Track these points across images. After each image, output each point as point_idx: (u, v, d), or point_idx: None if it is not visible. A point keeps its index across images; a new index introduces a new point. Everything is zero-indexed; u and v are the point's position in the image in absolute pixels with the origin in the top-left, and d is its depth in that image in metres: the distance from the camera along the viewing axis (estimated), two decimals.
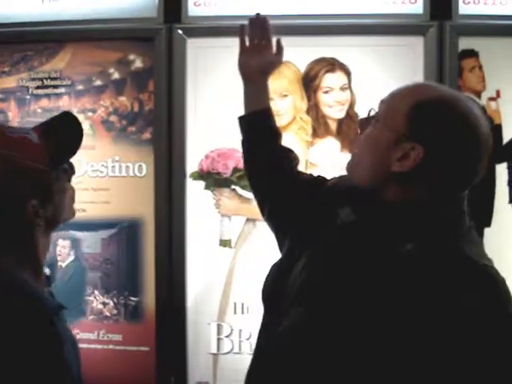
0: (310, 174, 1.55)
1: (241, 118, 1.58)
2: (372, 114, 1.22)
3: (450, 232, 1.15)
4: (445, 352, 1.05)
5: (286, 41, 2.28)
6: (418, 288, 1.09)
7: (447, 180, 1.14)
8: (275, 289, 1.29)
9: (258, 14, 1.59)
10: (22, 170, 1.08)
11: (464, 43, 2.30)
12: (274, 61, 1.62)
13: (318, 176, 1.50)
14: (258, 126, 1.55)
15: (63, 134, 1.18)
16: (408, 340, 1.06)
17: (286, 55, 2.26)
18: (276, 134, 1.56)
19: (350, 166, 1.25)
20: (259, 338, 1.33)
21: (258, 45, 1.58)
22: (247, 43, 1.58)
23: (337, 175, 1.43)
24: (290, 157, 1.56)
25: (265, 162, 1.53)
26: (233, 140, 2.30)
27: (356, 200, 1.23)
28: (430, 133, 1.12)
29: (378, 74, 2.26)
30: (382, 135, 1.17)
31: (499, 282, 1.10)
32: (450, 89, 1.22)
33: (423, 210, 1.15)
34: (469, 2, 2.31)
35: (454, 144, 1.11)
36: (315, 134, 2.36)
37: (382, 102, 1.22)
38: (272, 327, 1.24)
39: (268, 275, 1.35)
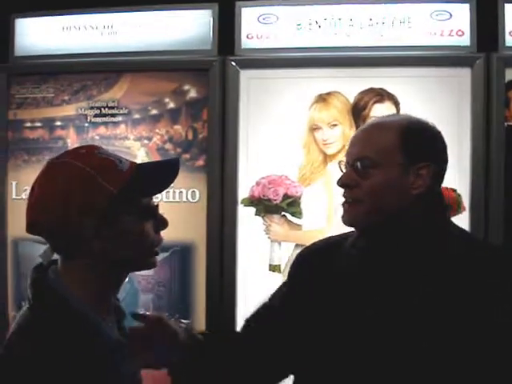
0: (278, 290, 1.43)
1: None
2: (357, 165, 1.25)
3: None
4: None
5: (335, 72, 2.40)
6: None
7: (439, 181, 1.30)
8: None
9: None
10: (92, 187, 1.09)
11: (510, 74, 2.33)
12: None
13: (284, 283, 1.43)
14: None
15: (152, 176, 1.18)
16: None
17: (336, 86, 2.38)
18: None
19: (361, 214, 1.26)
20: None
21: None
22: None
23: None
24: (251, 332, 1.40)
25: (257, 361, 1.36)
26: (283, 167, 2.40)
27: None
28: (425, 149, 1.26)
29: (426, 105, 2.30)
30: (390, 175, 1.24)
31: None
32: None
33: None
34: None
35: (442, 150, 1.30)
36: None
37: (358, 149, 1.27)
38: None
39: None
